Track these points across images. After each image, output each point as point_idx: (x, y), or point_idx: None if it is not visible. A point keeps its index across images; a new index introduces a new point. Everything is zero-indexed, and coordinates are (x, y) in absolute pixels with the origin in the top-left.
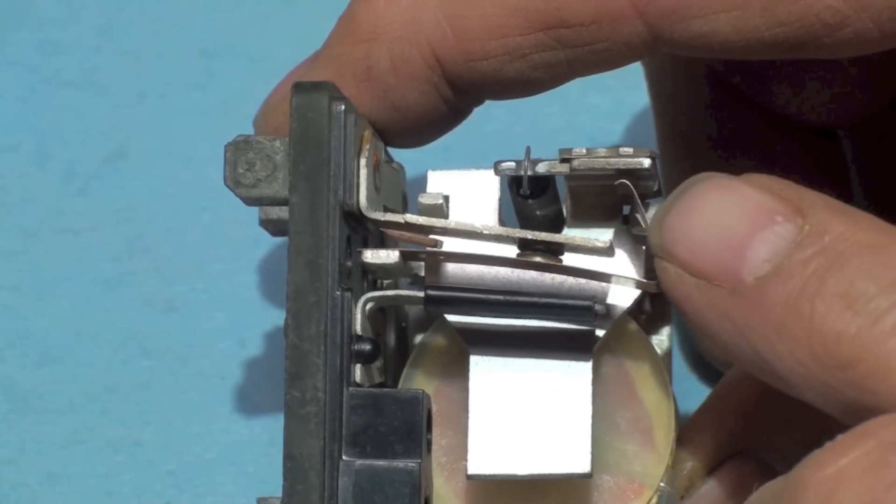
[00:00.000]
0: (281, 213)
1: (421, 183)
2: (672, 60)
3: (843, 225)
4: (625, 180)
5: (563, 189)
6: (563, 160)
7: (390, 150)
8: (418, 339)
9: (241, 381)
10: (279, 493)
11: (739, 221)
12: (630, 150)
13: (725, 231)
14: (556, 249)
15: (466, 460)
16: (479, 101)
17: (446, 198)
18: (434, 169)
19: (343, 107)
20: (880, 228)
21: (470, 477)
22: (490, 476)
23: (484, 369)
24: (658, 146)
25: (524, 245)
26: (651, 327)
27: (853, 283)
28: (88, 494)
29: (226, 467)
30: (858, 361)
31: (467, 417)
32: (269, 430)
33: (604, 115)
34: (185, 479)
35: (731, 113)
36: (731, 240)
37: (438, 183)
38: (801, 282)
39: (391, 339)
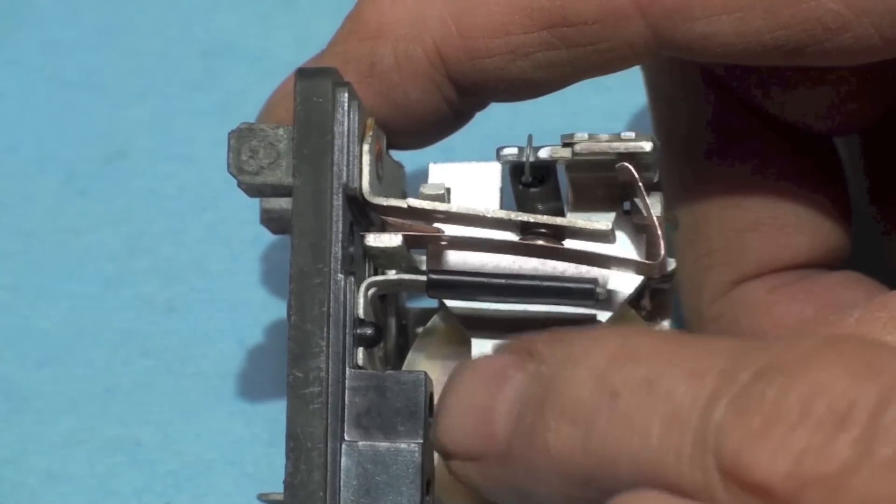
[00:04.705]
0: (282, 207)
1: (419, 183)
2: (672, 65)
3: (558, 350)
4: (626, 164)
5: (563, 189)
6: (566, 145)
7: (392, 153)
8: (420, 331)
9: (241, 381)
10: (280, 492)
11: (481, 393)
12: (632, 135)
13: (474, 407)
14: (558, 235)
15: None
16: (481, 105)
17: (447, 189)
18: (435, 162)
19: (346, 92)
20: (591, 337)
21: None
22: None
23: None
24: None
25: (525, 229)
26: (650, 323)
27: (564, 398)
28: (88, 494)
29: (226, 467)
30: (594, 468)
31: None
32: (269, 430)
33: (604, 115)
34: (185, 479)
35: (730, 118)
36: (480, 413)
37: (440, 175)
38: (531, 419)
39: (391, 336)
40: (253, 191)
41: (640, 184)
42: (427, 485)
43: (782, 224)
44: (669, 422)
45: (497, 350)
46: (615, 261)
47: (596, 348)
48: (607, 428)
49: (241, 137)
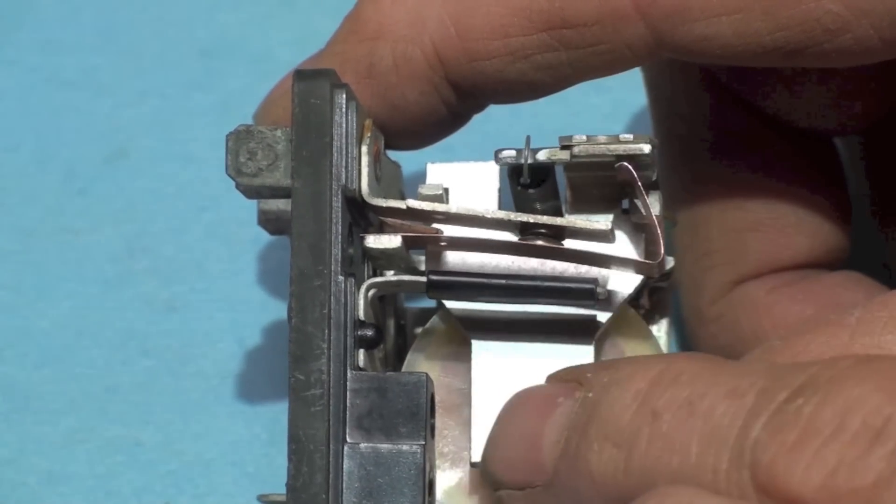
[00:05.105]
0: (280, 208)
1: (417, 183)
2: (672, 65)
3: (604, 376)
4: (625, 163)
5: (562, 188)
6: (564, 147)
7: (389, 153)
8: (419, 331)
9: (241, 381)
10: (280, 492)
11: (529, 422)
12: (630, 137)
13: (522, 437)
14: (557, 235)
15: (470, 449)
16: (480, 107)
17: (446, 190)
18: (433, 162)
19: (345, 93)
20: (635, 361)
21: (474, 465)
22: None
23: (487, 357)
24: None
25: (525, 230)
26: (649, 322)
27: (607, 421)
28: (88, 494)
29: (226, 467)
30: (634, 489)
31: (470, 408)
32: (269, 430)
33: (604, 115)
34: (185, 479)
35: (730, 118)
36: (528, 442)
37: (438, 175)
38: (576, 443)
39: (390, 337)
40: (251, 192)
41: (640, 183)
42: (429, 486)
43: (782, 224)
44: (708, 440)
45: (548, 380)
46: (615, 260)
47: (640, 372)
48: (648, 448)
49: (239, 139)
